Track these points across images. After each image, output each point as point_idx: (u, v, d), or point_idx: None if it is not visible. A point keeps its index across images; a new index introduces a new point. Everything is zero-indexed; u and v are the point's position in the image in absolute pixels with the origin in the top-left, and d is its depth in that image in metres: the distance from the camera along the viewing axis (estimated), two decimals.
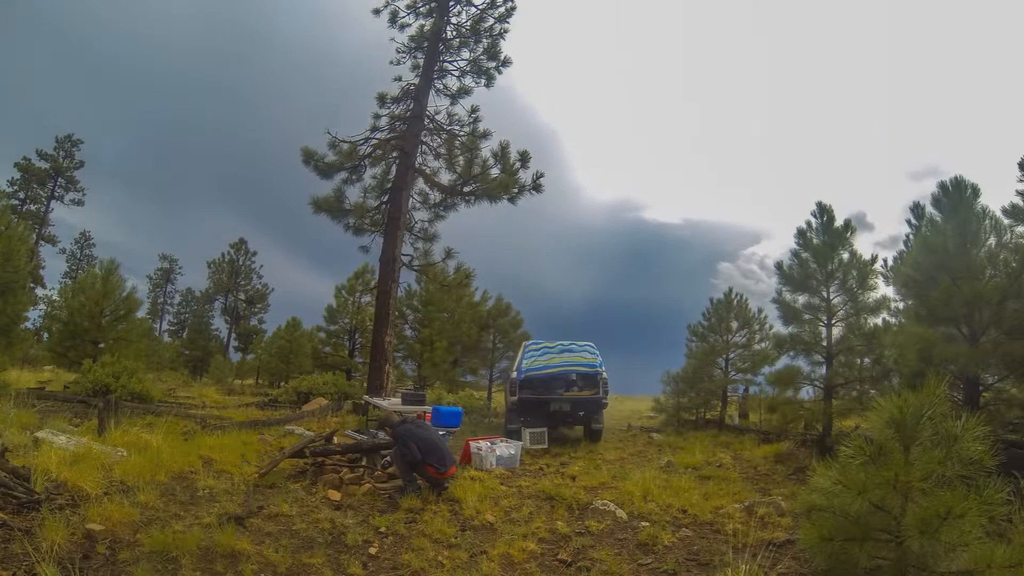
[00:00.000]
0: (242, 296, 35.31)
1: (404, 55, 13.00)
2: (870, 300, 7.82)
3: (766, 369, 11.11)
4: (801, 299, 8.22)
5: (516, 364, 10.85)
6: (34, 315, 21.85)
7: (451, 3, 13.04)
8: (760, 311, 12.60)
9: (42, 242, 30.48)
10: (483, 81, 12.89)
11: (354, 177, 12.60)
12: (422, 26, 12.93)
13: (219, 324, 33.97)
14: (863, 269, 7.79)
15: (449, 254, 12.92)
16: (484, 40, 12.83)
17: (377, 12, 13.13)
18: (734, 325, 12.68)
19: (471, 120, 12.72)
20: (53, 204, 31.06)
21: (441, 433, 7.35)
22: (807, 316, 8.13)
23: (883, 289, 8.30)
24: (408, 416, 6.17)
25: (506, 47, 12.91)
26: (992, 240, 6.05)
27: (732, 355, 12.50)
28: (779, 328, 8.82)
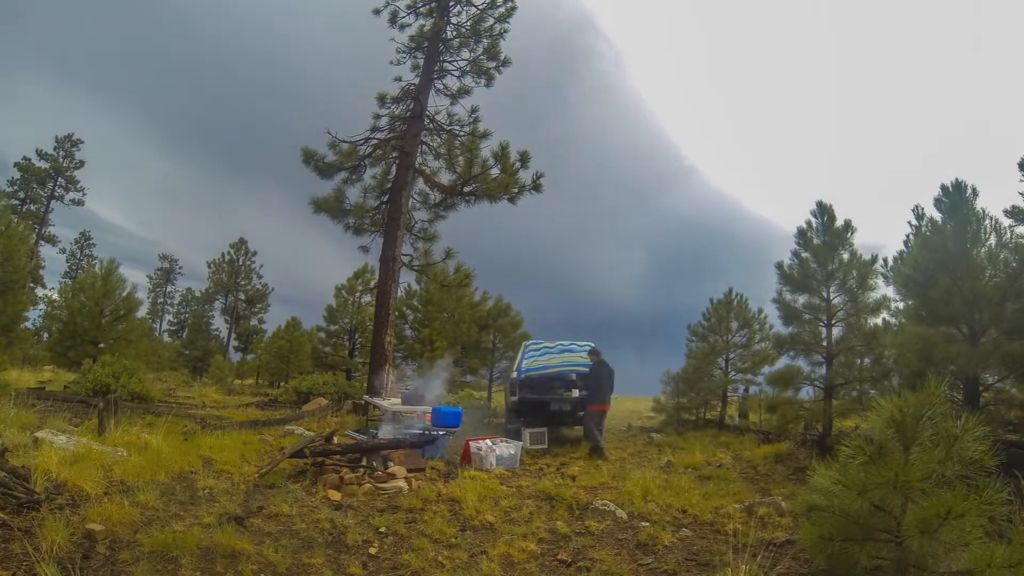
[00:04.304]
0: (242, 296, 35.32)
1: (404, 55, 13.00)
2: (870, 300, 7.82)
3: (766, 369, 11.12)
4: (801, 299, 8.21)
5: (516, 364, 10.85)
6: (34, 315, 21.95)
7: (451, 3, 13.04)
8: (760, 311, 12.61)
9: (42, 242, 30.51)
10: (483, 81, 12.88)
11: (354, 177, 12.60)
12: (422, 26, 12.93)
13: (219, 324, 34.03)
14: (863, 269, 7.79)
15: (449, 254, 12.91)
16: (484, 40, 12.82)
17: (377, 12, 13.13)
18: (734, 325, 12.67)
19: (471, 120, 12.71)
20: (53, 204, 31.12)
21: (441, 433, 7.36)
22: (807, 316, 8.12)
23: (883, 289, 8.31)
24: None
25: (506, 47, 12.91)
26: (992, 240, 6.06)
27: (732, 355, 12.49)
28: (779, 328, 8.82)
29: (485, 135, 12.49)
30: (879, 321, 8.28)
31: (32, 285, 23.64)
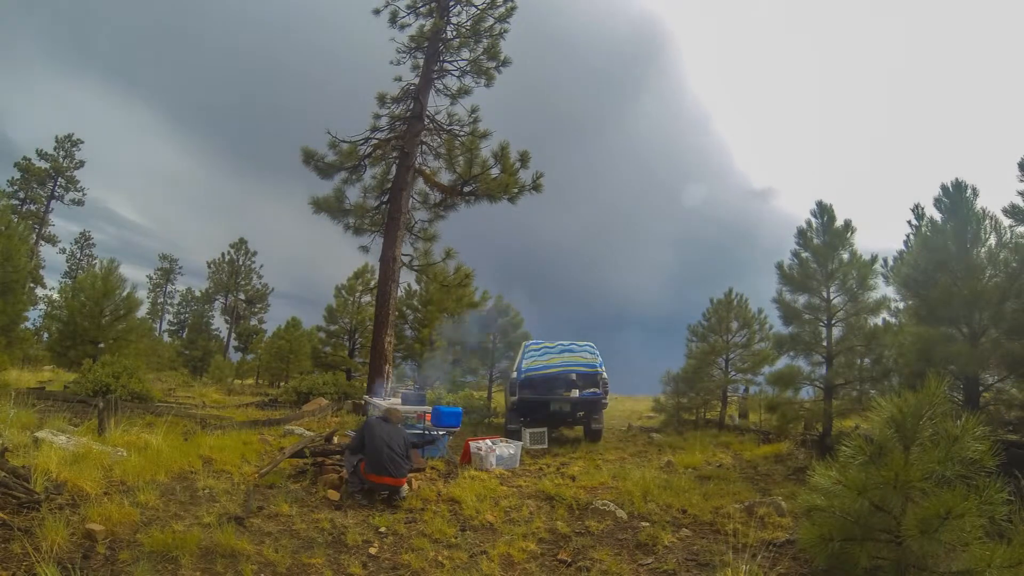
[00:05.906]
0: (242, 296, 35.33)
1: (404, 55, 13.01)
2: (870, 300, 7.81)
3: (766, 369, 11.11)
4: (801, 299, 8.20)
5: (516, 364, 10.84)
6: (34, 315, 21.97)
7: (451, 3, 13.06)
8: (760, 311, 12.60)
9: (42, 242, 30.50)
10: (483, 81, 12.89)
11: (354, 177, 12.61)
12: (422, 26, 12.94)
13: (219, 324, 34.05)
14: (863, 269, 7.78)
15: (449, 254, 12.92)
16: (484, 40, 12.83)
17: (377, 12, 13.14)
18: (734, 325, 12.66)
19: (471, 120, 12.72)
20: (53, 204, 31.12)
21: (441, 433, 7.35)
22: (807, 316, 8.11)
23: (883, 289, 8.28)
24: (399, 414, 6.08)
25: (506, 47, 12.92)
26: (992, 240, 6.05)
27: (732, 355, 12.49)
28: (779, 328, 8.80)
29: (485, 135, 12.50)
30: (879, 321, 8.27)
31: (32, 285, 23.66)
